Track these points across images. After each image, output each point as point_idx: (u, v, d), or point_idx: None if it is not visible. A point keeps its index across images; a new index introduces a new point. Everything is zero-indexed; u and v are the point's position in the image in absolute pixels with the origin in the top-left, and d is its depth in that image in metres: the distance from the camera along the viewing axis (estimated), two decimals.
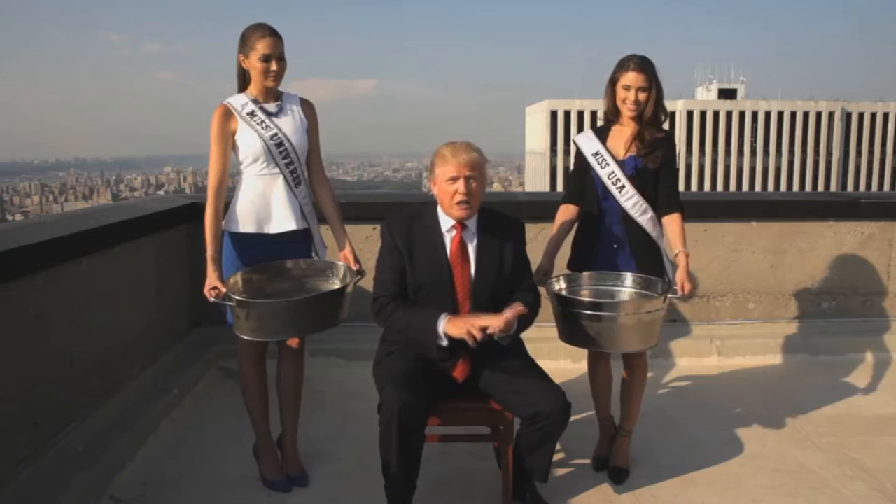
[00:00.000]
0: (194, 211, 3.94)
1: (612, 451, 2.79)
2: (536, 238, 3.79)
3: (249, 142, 2.54)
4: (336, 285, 2.58)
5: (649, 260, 2.67)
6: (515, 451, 2.37)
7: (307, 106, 2.69)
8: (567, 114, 70.94)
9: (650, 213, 2.65)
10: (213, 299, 2.44)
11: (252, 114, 2.54)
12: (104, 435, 2.73)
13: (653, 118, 2.63)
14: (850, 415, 3.34)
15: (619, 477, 2.69)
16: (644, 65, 2.58)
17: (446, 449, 2.83)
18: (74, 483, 2.44)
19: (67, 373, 2.67)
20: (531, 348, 2.51)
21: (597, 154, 2.67)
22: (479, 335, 2.13)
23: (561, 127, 71.31)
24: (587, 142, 2.72)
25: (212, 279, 2.48)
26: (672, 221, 2.65)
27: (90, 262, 2.84)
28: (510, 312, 2.18)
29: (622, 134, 2.67)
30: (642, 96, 2.58)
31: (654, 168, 2.62)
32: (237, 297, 2.37)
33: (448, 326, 2.20)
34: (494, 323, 2.14)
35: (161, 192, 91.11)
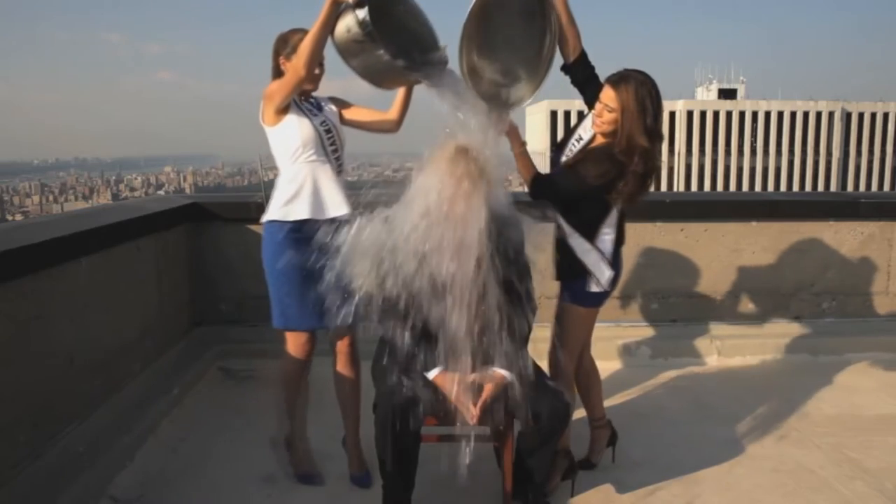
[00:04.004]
0: (194, 211, 3.96)
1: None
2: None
3: (302, 127, 2.53)
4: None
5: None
6: (516, 451, 2.37)
7: (334, 101, 2.73)
8: (567, 114, 70.94)
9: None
10: None
11: (299, 102, 2.57)
12: (104, 435, 2.73)
13: (626, 146, 2.38)
14: (850, 415, 3.34)
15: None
16: (622, 82, 2.37)
17: (446, 449, 2.83)
18: (74, 483, 2.44)
19: (67, 373, 2.67)
20: (530, 348, 2.50)
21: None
22: (471, 414, 2.21)
23: (561, 127, 71.31)
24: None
25: None
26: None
27: (90, 262, 2.84)
28: (488, 392, 2.23)
29: None
30: (608, 116, 2.40)
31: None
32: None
33: (438, 379, 2.25)
34: (473, 412, 2.20)
35: (161, 192, 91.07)
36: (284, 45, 2.54)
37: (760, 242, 4.24)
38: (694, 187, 71.55)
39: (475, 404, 2.22)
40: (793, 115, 74.59)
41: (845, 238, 4.29)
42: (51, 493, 2.34)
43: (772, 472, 2.78)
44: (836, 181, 74.63)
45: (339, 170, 2.64)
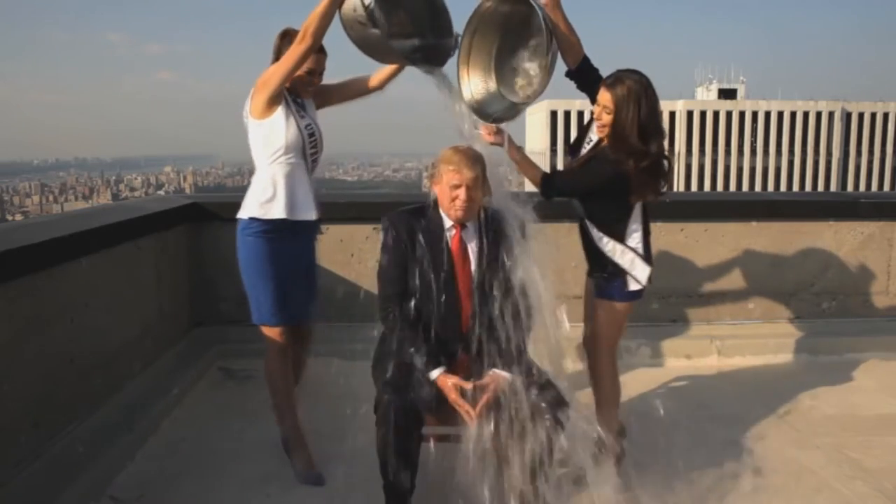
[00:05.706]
0: (194, 211, 3.96)
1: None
2: (536, 238, 3.77)
3: (288, 129, 2.57)
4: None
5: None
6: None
7: (315, 97, 2.76)
8: (567, 114, 70.90)
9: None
10: None
11: (288, 101, 2.61)
12: (104, 435, 2.73)
13: (620, 146, 2.43)
14: (850, 415, 3.33)
15: None
16: (616, 84, 2.41)
17: (446, 449, 2.83)
18: (74, 483, 2.44)
19: (67, 373, 2.67)
20: (530, 348, 2.50)
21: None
22: (470, 416, 2.22)
23: (561, 127, 71.29)
24: None
25: None
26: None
27: (90, 262, 2.84)
28: (488, 394, 2.23)
29: None
30: (606, 118, 2.44)
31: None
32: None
33: (441, 381, 2.25)
34: (472, 414, 2.21)
35: (161, 192, 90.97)
36: (288, 42, 2.54)
37: (760, 242, 4.24)
38: (694, 187, 71.53)
39: (475, 406, 2.22)
40: (793, 115, 74.55)
41: (845, 238, 4.29)
42: (51, 493, 2.34)
43: (772, 472, 2.78)
44: (836, 181, 74.58)
45: (313, 169, 2.71)
